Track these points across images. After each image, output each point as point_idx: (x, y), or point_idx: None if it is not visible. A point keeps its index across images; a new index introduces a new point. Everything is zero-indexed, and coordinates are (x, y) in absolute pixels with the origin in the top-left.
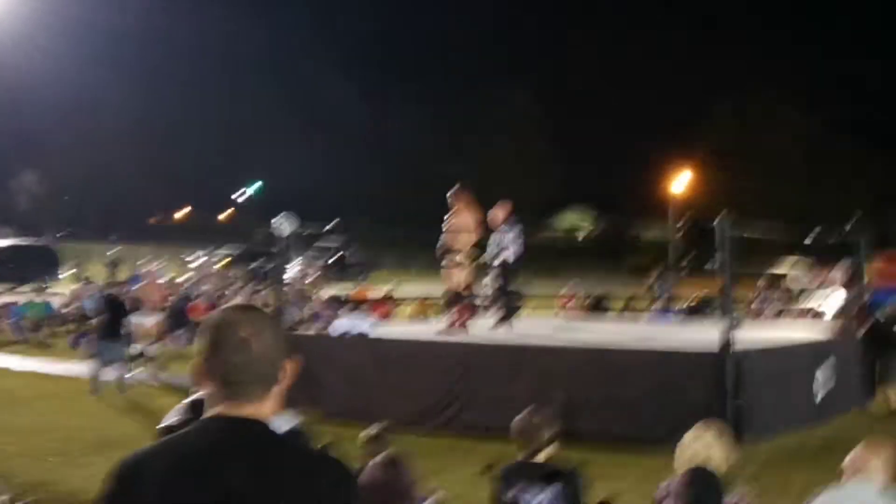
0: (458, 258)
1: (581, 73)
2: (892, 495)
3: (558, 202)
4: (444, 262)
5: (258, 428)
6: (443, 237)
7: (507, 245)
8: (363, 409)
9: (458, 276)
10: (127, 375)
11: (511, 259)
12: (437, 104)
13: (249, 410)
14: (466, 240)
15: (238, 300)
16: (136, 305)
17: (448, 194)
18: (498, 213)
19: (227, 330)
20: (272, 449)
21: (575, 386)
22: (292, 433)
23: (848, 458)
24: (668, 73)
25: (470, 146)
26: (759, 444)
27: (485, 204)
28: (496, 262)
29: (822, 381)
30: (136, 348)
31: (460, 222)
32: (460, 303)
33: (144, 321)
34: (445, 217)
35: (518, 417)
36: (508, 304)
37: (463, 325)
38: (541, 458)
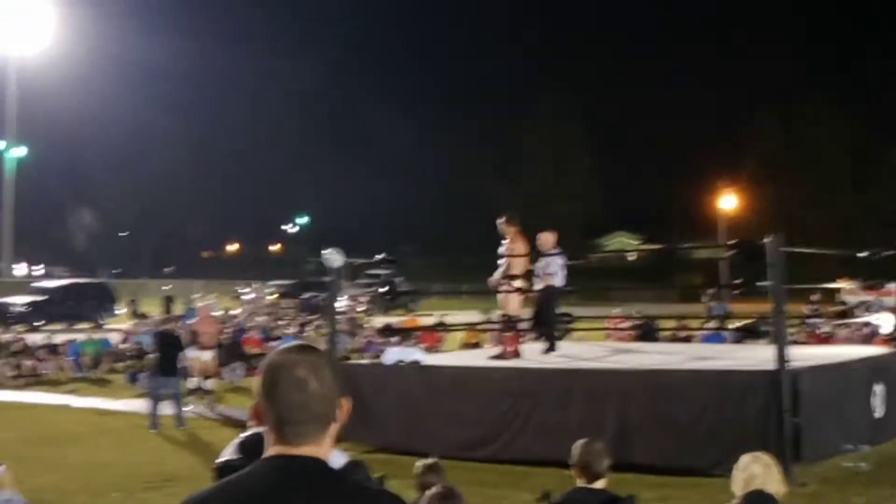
0: (515, 284)
1: (622, 91)
2: None
3: (604, 223)
4: (502, 288)
5: (317, 466)
6: (501, 264)
7: (555, 271)
8: (417, 437)
9: (515, 303)
10: (185, 409)
11: (559, 284)
12: (480, 130)
13: (308, 450)
14: (523, 265)
15: (290, 331)
16: (193, 339)
17: (499, 221)
18: (549, 237)
19: (285, 370)
20: (331, 487)
21: (627, 409)
22: (349, 467)
23: None
24: (710, 87)
25: (514, 170)
26: (817, 463)
27: (528, 228)
28: (540, 287)
29: (880, 397)
30: (192, 382)
31: (516, 249)
32: (516, 329)
33: (201, 355)
34: (501, 244)
35: (577, 445)
36: (554, 329)
37: (515, 351)
38: (598, 485)
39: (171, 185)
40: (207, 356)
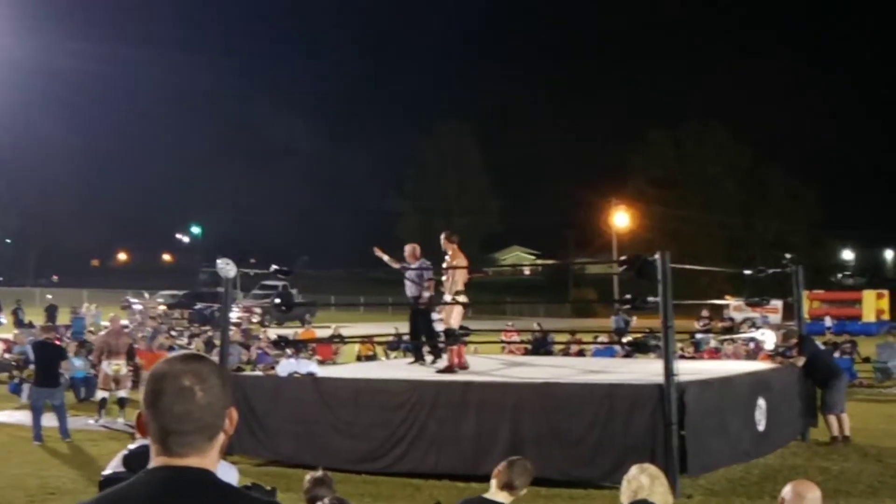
0: (456, 297)
1: (519, 109)
2: None
3: (500, 238)
4: (445, 301)
5: (203, 478)
6: (412, 279)
7: (414, 281)
8: (310, 450)
9: (456, 315)
10: (91, 421)
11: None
12: (380, 144)
13: (193, 461)
14: (461, 279)
15: (181, 342)
16: (105, 351)
17: (442, 237)
18: (410, 249)
19: (170, 379)
20: (217, 499)
21: (520, 421)
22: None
23: (785, 492)
24: (605, 105)
25: (412, 183)
26: (702, 474)
27: (426, 241)
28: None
29: (762, 411)
30: (101, 394)
31: (457, 263)
32: (458, 341)
33: (112, 367)
34: (446, 260)
35: (504, 463)
36: (421, 342)
37: (462, 363)
38: (498, 499)
39: (57, 191)
40: (121, 368)
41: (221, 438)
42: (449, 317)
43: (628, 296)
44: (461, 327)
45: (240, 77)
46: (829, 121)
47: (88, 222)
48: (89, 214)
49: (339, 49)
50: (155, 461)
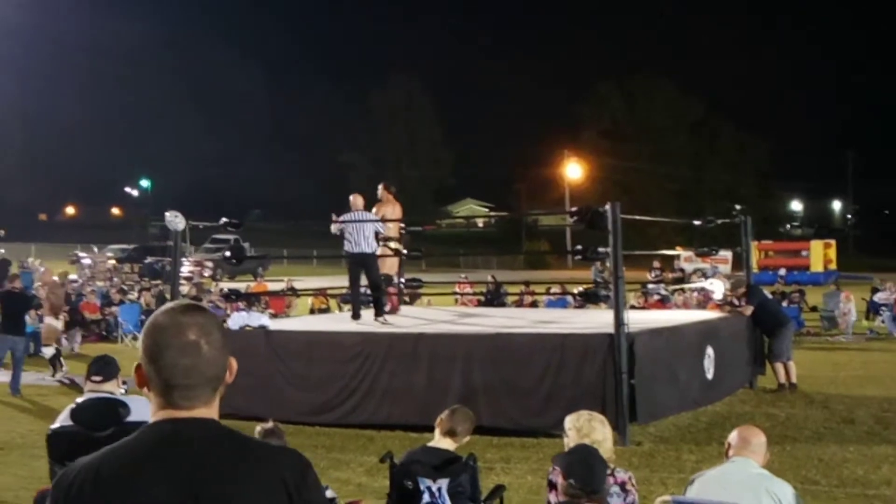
0: (392, 245)
1: (471, 62)
2: (769, 475)
3: (454, 191)
4: (379, 251)
5: (212, 426)
6: (379, 227)
7: (352, 234)
8: (263, 403)
9: (392, 263)
10: (45, 377)
11: (354, 250)
12: (332, 96)
13: (199, 412)
14: (396, 228)
15: (132, 297)
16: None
17: (380, 187)
18: (355, 199)
19: (173, 333)
20: (231, 445)
21: (472, 372)
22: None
23: (731, 438)
24: (555, 59)
25: (366, 138)
26: (651, 422)
27: (372, 193)
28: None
29: (711, 360)
30: (50, 351)
31: (391, 213)
32: (395, 288)
33: (53, 322)
34: (375, 209)
35: (446, 412)
36: (359, 296)
37: (395, 308)
38: (442, 446)
39: (1, 145)
40: (59, 323)
41: (223, 388)
42: (383, 265)
43: (579, 247)
44: (414, 279)
45: (190, 29)
46: (779, 73)
47: (34, 176)
48: (35, 167)
49: (293, 1)
50: (158, 414)
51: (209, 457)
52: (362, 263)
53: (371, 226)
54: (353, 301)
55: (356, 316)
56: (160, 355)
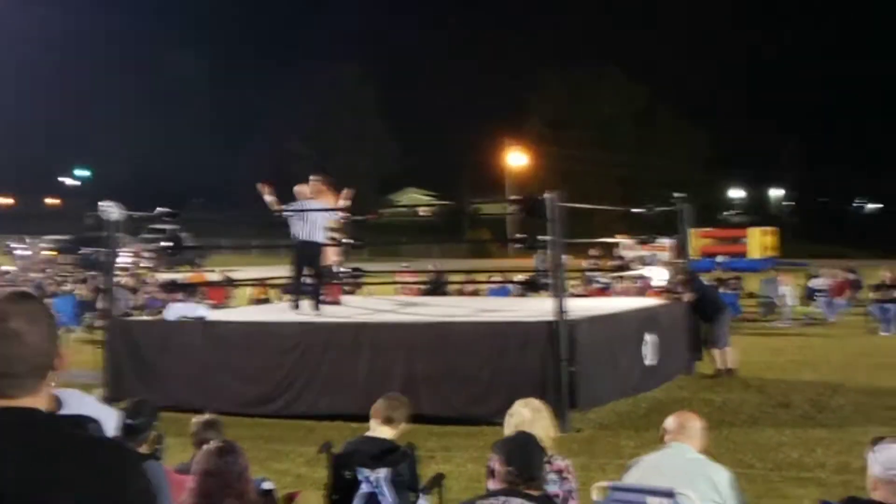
0: (335, 236)
1: (414, 50)
2: (706, 459)
3: (396, 179)
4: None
5: (34, 415)
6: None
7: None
8: (201, 395)
9: (334, 254)
10: None
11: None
12: (276, 85)
13: (25, 401)
14: (337, 218)
15: (67, 288)
16: None
17: (313, 178)
18: (301, 189)
19: None
20: (51, 435)
21: (414, 361)
22: (84, 419)
23: (667, 423)
24: (498, 47)
25: (309, 124)
26: (591, 408)
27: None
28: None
29: (651, 346)
30: None
31: (332, 203)
32: (336, 279)
33: None
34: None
35: (380, 400)
36: (300, 286)
37: (336, 299)
38: (380, 434)
39: None
40: None
41: (52, 375)
42: (328, 256)
43: (519, 235)
44: (356, 268)
45: (130, 16)
46: (718, 61)
47: None
48: None
49: None
50: None
51: (30, 450)
52: (311, 253)
53: (322, 217)
54: (296, 291)
55: (297, 306)
56: None
